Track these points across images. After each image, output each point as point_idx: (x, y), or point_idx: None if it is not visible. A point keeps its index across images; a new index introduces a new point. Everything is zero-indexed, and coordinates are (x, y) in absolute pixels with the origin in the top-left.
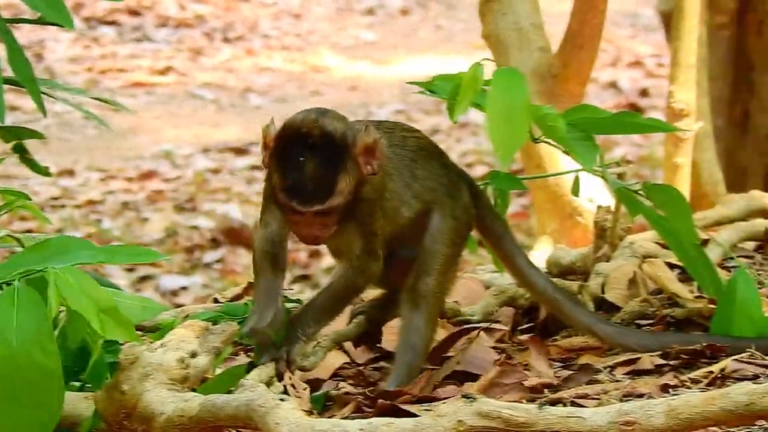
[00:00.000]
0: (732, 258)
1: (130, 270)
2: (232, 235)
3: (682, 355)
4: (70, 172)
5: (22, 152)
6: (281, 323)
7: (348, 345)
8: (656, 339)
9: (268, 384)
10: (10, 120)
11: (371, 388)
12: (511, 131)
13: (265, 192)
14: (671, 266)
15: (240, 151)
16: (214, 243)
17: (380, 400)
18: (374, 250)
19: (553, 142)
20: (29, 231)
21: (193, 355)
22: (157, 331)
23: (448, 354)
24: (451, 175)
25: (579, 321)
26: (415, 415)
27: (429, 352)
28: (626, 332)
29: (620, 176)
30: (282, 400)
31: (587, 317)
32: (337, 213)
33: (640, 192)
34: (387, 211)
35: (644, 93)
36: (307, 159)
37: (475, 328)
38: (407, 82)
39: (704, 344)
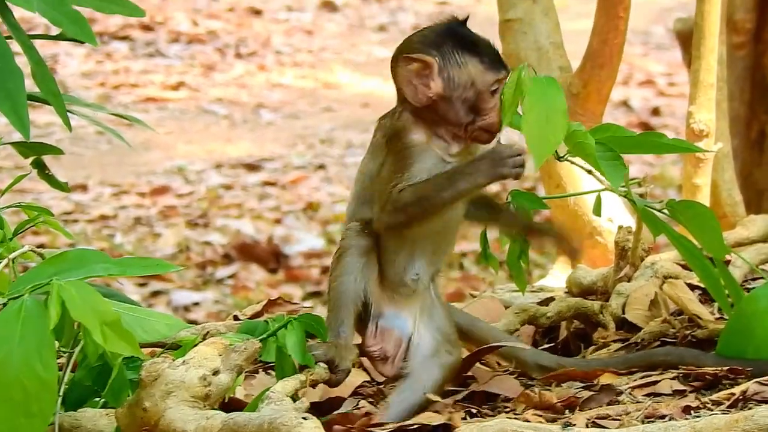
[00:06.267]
0: (753, 279)
1: (142, 285)
2: (245, 251)
3: (707, 377)
4: (83, 187)
5: (41, 168)
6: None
7: (367, 363)
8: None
9: (294, 398)
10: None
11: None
12: (549, 132)
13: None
14: (692, 287)
15: (252, 167)
16: (227, 259)
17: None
18: None
19: (576, 161)
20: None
21: (216, 372)
22: (177, 348)
23: (469, 374)
24: None
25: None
26: None
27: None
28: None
29: (641, 196)
30: (305, 418)
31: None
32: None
33: (663, 211)
34: None
35: (656, 112)
36: None
37: (498, 347)
38: None
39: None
